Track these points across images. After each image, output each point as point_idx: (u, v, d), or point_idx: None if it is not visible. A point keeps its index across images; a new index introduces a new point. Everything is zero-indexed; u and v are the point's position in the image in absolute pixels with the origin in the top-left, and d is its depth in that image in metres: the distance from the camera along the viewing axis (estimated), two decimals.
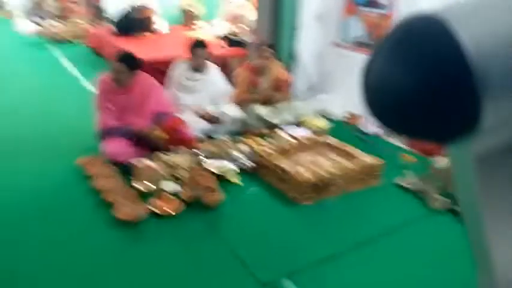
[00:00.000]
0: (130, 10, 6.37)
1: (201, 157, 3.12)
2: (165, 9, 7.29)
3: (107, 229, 2.41)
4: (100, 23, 7.70)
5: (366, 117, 3.95)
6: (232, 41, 5.74)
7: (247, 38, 5.55)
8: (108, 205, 2.53)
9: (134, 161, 2.95)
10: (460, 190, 0.61)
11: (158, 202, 2.60)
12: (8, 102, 4.41)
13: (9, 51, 6.81)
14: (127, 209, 2.48)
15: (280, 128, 3.82)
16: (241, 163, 3.10)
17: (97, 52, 6.34)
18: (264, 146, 3.26)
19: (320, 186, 2.78)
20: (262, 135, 3.69)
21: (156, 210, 2.52)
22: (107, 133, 3.11)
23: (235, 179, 2.98)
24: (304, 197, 2.75)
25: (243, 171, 3.06)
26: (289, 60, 4.56)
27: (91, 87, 4.21)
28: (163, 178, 2.82)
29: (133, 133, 3.09)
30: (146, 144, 3.11)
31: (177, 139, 3.16)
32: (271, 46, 4.00)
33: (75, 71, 5.68)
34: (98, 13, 8.07)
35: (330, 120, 4.10)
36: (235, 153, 3.19)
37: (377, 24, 4.05)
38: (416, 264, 2.28)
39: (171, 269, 2.14)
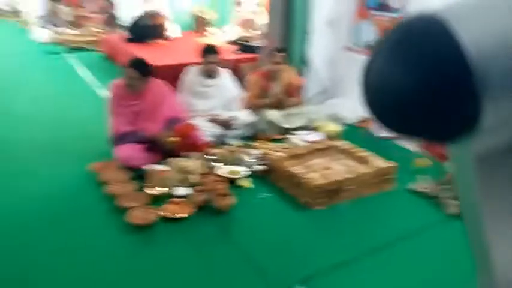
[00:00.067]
0: (142, 16, 6.44)
1: (212, 162, 3.12)
2: (177, 15, 7.36)
3: (120, 233, 2.42)
4: (114, 30, 7.82)
5: None
6: (243, 46, 5.76)
7: (259, 43, 5.56)
8: (121, 210, 2.55)
9: (147, 166, 2.97)
10: (460, 190, 0.61)
11: (170, 206, 2.61)
12: (23, 108, 4.49)
13: (25, 58, 6.93)
14: (140, 214, 2.49)
15: (292, 133, 3.81)
16: (253, 168, 3.10)
17: (111, 59, 6.42)
18: (275, 151, 3.25)
19: (333, 191, 2.76)
20: (274, 140, 3.69)
21: (169, 215, 2.53)
22: (119, 138, 3.14)
23: (247, 184, 2.98)
24: (317, 201, 2.73)
25: (255, 176, 3.06)
26: (301, 64, 4.55)
27: (105, 94, 4.26)
28: (175, 183, 2.83)
29: (145, 138, 3.12)
30: (158, 150, 3.13)
31: (189, 144, 3.18)
32: (282, 51, 4.00)
33: (89, 78, 5.76)
34: (111, 20, 8.19)
35: (342, 124, 4.08)
36: (247, 158, 3.19)
37: (389, 28, 4.01)
38: (432, 270, 2.24)
39: (183, 273, 2.14)
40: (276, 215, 2.70)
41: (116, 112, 3.22)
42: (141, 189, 2.78)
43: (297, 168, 2.89)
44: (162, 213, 2.54)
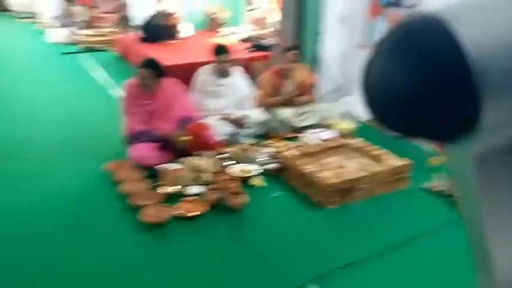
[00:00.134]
0: (155, 16, 6.49)
1: (225, 161, 3.13)
2: (190, 14, 7.39)
3: (133, 232, 2.45)
4: (128, 30, 7.89)
5: None
6: (256, 44, 5.76)
7: (271, 41, 5.55)
8: (135, 208, 2.57)
9: (160, 165, 2.99)
10: (460, 190, 0.61)
11: (183, 205, 2.63)
12: (40, 108, 4.57)
13: (41, 59, 7.05)
14: (153, 212, 2.51)
15: (305, 131, 3.79)
16: (265, 166, 3.10)
17: (124, 58, 6.48)
18: (288, 149, 3.24)
19: (346, 190, 2.74)
20: (286, 138, 3.68)
21: (181, 213, 2.55)
22: (133, 138, 3.17)
23: (259, 182, 2.98)
24: (330, 200, 2.72)
25: (267, 175, 3.06)
26: (314, 62, 4.53)
27: (118, 94, 4.30)
28: (188, 181, 2.85)
29: (158, 138, 3.14)
30: (171, 149, 3.15)
31: (202, 143, 3.19)
32: (295, 49, 3.98)
33: (103, 78, 5.83)
34: (125, 20, 8.27)
35: (355, 122, 4.04)
36: (259, 156, 3.18)
37: None
38: (446, 270, 2.20)
39: (196, 271, 2.16)
40: (289, 214, 2.70)
41: (130, 112, 3.25)
42: (154, 188, 2.81)
43: (309, 167, 2.88)
44: (175, 211, 2.56)
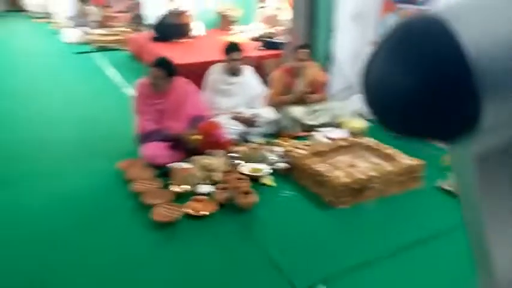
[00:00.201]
0: (167, 15, 6.51)
1: (235, 160, 3.13)
2: (201, 13, 7.40)
3: (144, 230, 2.46)
4: (140, 29, 7.95)
5: None
6: (267, 42, 5.74)
7: (282, 39, 5.53)
8: (146, 207, 2.59)
9: (171, 163, 3.01)
10: (460, 190, 0.61)
11: (193, 204, 2.64)
12: (54, 108, 4.63)
13: (55, 58, 7.14)
14: (163, 211, 2.53)
15: (317, 130, 3.76)
16: (276, 166, 3.09)
17: (137, 58, 6.53)
18: (299, 148, 3.22)
19: (357, 189, 2.71)
20: (297, 137, 3.66)
21: (192, 212, 2.55)
22: (145, 137, 3.19)
23: (270, 182, 2.97)
24: (341, 200, 2.70)
25: (278, 174, 3.05)
26: (326, 60, 4.49)
27: (131, 93, 4.33)
28: (199, 180, 2.85)
29: (170, 137, 3.15)
30: (182, 148, 3.16)
31: (213, 142, 3.20)
32: (307, 46, 3.96)
33: (116, 77, 5.88)
34: (138, 20, 8.33)
35: (367, 120, 4.00)
36: (270, 155, 3.17)
37: None
38: (460, 271, 2.16)
39: (206, 269, 2.16)
40: (299, 214, 2.68)
41: (142, 111, 3.27)
42: (165, 187, 2.82)
43: (320, 166, 2.86)
44: (185, 210, 2.57)
